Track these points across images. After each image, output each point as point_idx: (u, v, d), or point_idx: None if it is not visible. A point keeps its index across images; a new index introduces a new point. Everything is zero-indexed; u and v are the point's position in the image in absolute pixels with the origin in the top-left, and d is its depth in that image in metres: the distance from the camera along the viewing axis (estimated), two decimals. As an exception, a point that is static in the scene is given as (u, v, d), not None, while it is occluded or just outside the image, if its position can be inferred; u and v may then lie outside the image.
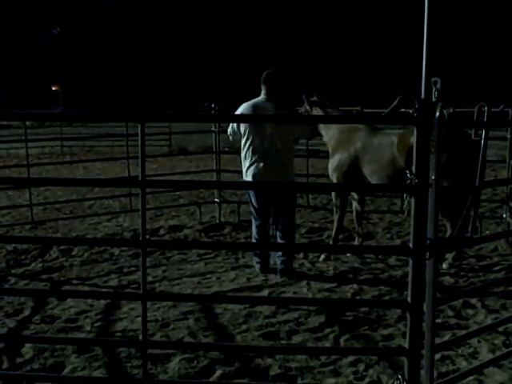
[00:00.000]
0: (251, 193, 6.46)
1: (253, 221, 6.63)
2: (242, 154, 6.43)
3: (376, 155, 6.72)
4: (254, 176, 6.31)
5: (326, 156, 8.89)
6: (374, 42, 76.30)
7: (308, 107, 7.24)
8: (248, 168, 6.36)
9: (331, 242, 7.21)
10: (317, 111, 7.16)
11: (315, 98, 7.33)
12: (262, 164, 6.28)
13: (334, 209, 7.26)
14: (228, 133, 6.66)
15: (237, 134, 6.49)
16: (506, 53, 61.93)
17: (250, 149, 6.30)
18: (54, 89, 73.18)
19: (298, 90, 7.30)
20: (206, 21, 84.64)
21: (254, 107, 6.32)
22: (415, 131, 2.91)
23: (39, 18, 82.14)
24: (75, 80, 78.55)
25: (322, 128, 7.28)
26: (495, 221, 8.63)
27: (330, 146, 7.27)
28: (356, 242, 7.31)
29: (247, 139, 6.31)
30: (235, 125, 6.46)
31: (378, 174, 6.72)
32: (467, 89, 42.53)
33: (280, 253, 6.32)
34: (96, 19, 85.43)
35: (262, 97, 6.42)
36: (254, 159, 6.31)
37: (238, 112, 6.37)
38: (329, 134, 7.28)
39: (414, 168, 2.93)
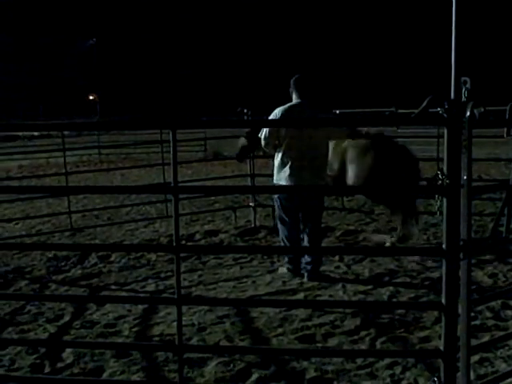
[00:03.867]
0: (282, 196, 6.36)
1: (280, 225, 6.49)
2: (278, 157, 6.32)
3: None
4: (289, 178, 6.23)
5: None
6: (404, 44, 75.67)
7: None
8: (283, 170, 6.27)
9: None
10: None
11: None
12: (297, 166, 6.20)
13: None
14: (261, 138, 6.47)
15: (271, 138, 6.30)
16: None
17: (286, 151, 6.23)
18: (91, 98, 74.62)
19: (329, 90, 7.44)
20: (238, 29, 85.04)
21: (290, 111, 6.22)
22: (446, 132, 2.90)
23: (76, 29, 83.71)
24: (112, 89, 79.84)
25: None
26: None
27: None
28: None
29: (283, 142, 6.24)
30: (268, 129, 6.29)
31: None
32: (498, 87, 41.71)
33: (306, 257, 6.30)
34: (131, 28, 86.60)
35: (295, 101, 6.34)
36: (289, 161, 6.22)
37: (273, 116, 6.28)
38: None
39: (445, 169, 2.92)
